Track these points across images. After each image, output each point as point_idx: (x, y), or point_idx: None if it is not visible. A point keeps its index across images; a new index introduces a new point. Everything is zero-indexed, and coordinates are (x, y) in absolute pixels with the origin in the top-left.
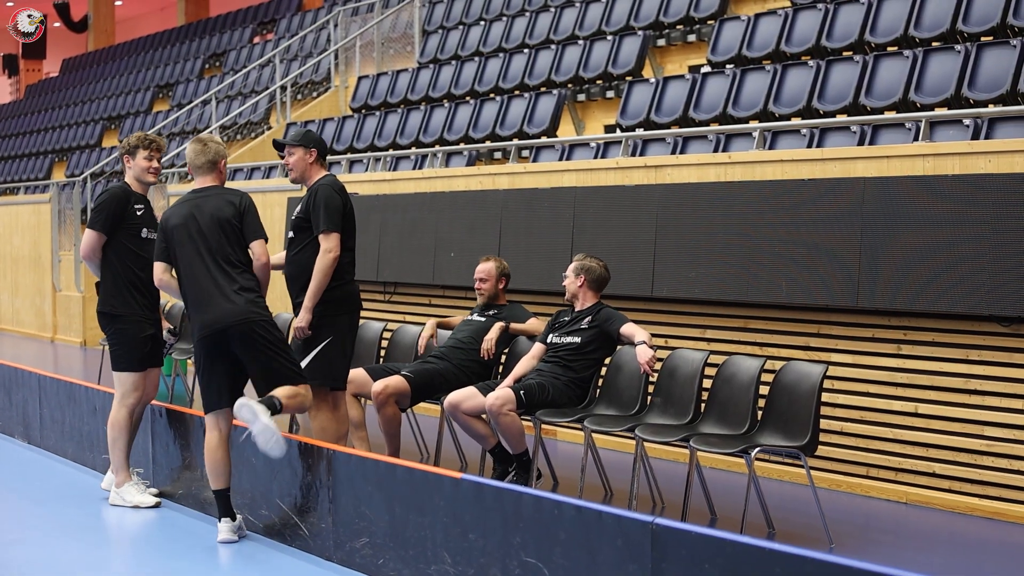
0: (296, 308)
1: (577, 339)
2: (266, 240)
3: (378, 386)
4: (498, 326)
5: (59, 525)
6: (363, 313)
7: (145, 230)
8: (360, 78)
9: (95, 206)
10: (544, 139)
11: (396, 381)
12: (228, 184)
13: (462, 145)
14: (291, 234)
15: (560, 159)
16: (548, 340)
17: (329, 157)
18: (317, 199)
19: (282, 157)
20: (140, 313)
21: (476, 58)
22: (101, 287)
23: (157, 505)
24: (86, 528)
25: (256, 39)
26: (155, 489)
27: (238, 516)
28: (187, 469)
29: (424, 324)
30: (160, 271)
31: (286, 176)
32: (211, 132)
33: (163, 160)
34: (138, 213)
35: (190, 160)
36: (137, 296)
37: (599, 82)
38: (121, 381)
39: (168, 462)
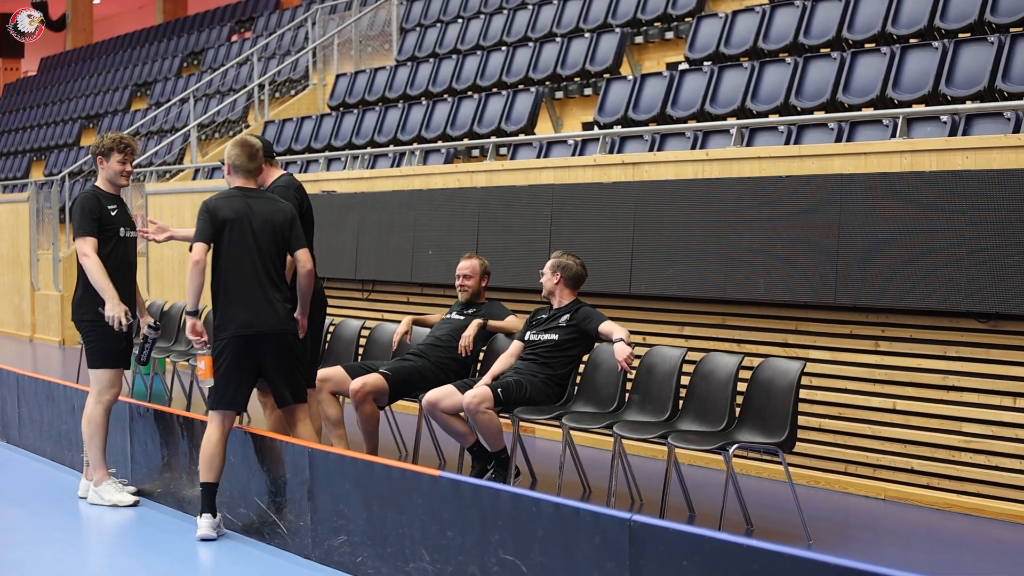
0: None
1: (555, 336)
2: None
3: (356, 384)
4: (476, 323)
5: (39, 525)
6: (341, 311)
7: (123, 229)
8: (338, 76)
9: (73, 214)
10: (522, 137)
11: (374, 379)
12: (208, 182)
13: (440, 143)
14: None
15: (538, 157)
16: (526, 337)
17: (307, 155)
18: None
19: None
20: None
21: (454, 56)
22: (78, 289)
23: (135, 504)
24: (66, 528)
25: (234, 37)
26: (133, 488)
27: (218, 513)
28: (166, 468)
29: (405, 315)
30: (202, 252)
31: None
32: (188, 130)
33: (142, 159)
34: (112, 214)
35: (240, 163)
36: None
37: (577, 79)
38: (97, 378)
39: (147, 461)
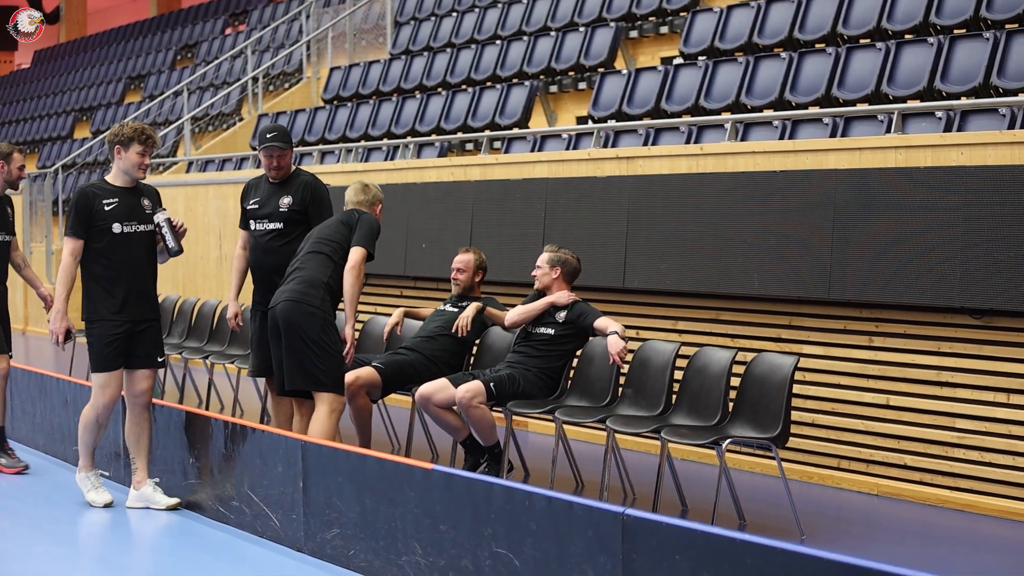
0: (267, 301)
1: (551, 331)
2: (369, 254)
3: (349, 377)
4: (475, 305)
5: (29, 519)
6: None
7: (118, 225)
8: (332, 69)
9: (70, 209)
10: (516, 130)
11: (367, 372)
12: (202, 175)
13: (434, 136)
14: (278, 225)
15: (532, 150)
16: (524, 328)
17: (300, 149)
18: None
19: (269, 155)
20: (108, 315)
21: (448, 49)
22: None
23: (109, 505)
24: (55, 521)
25: (228, 30)
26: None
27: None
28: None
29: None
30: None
31: (257, 167)
32: (182, 123)
33: None
34: (107, 209)
35: (349, 198)
36: (105, 296)
37: (571, 73)
38: (93, 382)
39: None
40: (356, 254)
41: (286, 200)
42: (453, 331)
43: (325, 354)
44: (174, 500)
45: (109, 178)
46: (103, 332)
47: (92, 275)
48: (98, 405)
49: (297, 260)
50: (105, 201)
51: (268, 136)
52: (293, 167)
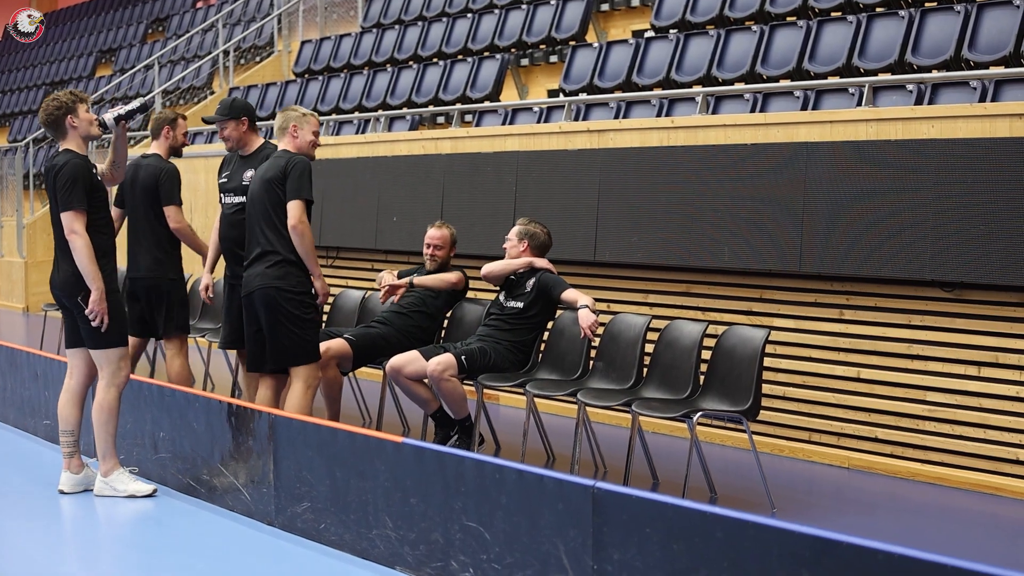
0: (235, 274)
1: (520, 304)
2: (307, 202)
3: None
4: (405, 280)
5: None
6: None
7: (105, 192)
8: (303, 43)
9: (61, 183)
10: (487, 104)
11: (338, 344)
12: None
13: (405, 110)
14: (241, 199)
15: (503, 124)
16: (497, 299)
17: (272, 122)
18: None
19: (221, 129)
20: (114, 286)
21: (419, 22)
22: (66, 263)
23: (154, 493)
24: (21, 492)
25: (199, 3)
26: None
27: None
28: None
29: (371, 282)
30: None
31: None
32: (153, 97)
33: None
34: (99, 178)
35: (276, 126)
36: (107, 267)
37: (542, 47)
38: (108, 359)
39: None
40: (294, 209)
41: (249, 174)
42: (382, 299)
43: (305, 325)
44: (151, 487)
45: (75, 148)
46: (117, 303)
47: (98, 243)
48: (120, 384)
49: (257, 234)
50: (94, 171)
51: (217, 109)
52: (261, 140)
